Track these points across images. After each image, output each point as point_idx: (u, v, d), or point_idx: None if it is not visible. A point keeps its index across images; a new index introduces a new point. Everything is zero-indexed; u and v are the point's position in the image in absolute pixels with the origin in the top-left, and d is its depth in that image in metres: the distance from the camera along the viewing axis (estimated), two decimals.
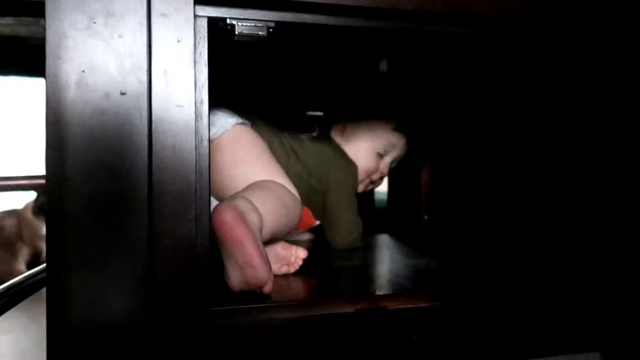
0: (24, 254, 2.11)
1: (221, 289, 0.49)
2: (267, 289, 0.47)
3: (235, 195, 0.51)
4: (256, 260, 0.45)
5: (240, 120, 0.63)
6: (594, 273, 0.56)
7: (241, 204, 0.48)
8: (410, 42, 0.58)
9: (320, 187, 0.75)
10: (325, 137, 0.82)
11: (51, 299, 0.38)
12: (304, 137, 0.77)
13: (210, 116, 0.62)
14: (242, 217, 0.46)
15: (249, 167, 0.60)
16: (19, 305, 0.68)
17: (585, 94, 0.62)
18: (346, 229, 0.76)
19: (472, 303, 0.48)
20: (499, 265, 0.63)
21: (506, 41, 0.55)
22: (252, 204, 0.50)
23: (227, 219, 0.45)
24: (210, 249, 0.44)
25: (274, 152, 0.67)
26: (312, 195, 0.74)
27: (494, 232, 0.79)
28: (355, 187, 0.81)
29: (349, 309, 0.45)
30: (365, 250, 0.76)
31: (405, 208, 1.05)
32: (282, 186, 0.59)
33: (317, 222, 0.79)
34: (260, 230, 0.49)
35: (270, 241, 0.55)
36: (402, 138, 0.85)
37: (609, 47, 0.57)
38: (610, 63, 0.59)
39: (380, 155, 0.83)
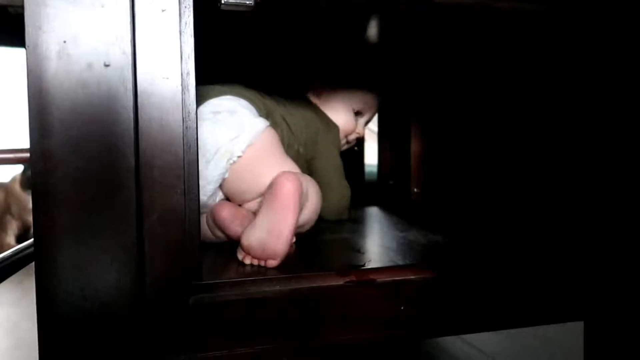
0: (12, 227, 2.10)
1: (209, 263, 0.49)
2: (274, 263, 0.49)
3: (299, 173, 0.56)
4: (286, 234, 0.49)
5: (266, 122, 0.61)
6: (578, 243, 0.57)
7: (304, 185, 0.53)
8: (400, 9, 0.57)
9: (308, 154, 0.74)
10: (305, 100, 0.80)
11: (39, 274, 0.38)
12: (286, 101, 0.75)
13: (235, 117, 0.59)
14: (301, 195, 0.51)
15: (281, 169, 0.58)
16: (10, 279, 0.68)
17: (564, 65, 0.62)
18: (338, 193, 0.76)
19: (458, 275, 0.49)
20: (485, 237, 0.64)
21: (496, 11, 0.54)
22: (307, 191, 0.54)
23: (293, 188, 0.49)
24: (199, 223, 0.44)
25: (281, 139, 0.66)
26: (299, 162, 0.71)
27: (482, 205, 0.80)
28: (339, 149, 0.81)
29: (337, 281, 0.46)
30: (355, 223, 0.76)
31: (396, 181, 1.05)
32: (317, 186, 0.60)
33: None
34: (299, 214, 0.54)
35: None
36: (376, 98, 0.85)
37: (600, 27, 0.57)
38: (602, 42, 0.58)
39: (358, 115, 0.84)
